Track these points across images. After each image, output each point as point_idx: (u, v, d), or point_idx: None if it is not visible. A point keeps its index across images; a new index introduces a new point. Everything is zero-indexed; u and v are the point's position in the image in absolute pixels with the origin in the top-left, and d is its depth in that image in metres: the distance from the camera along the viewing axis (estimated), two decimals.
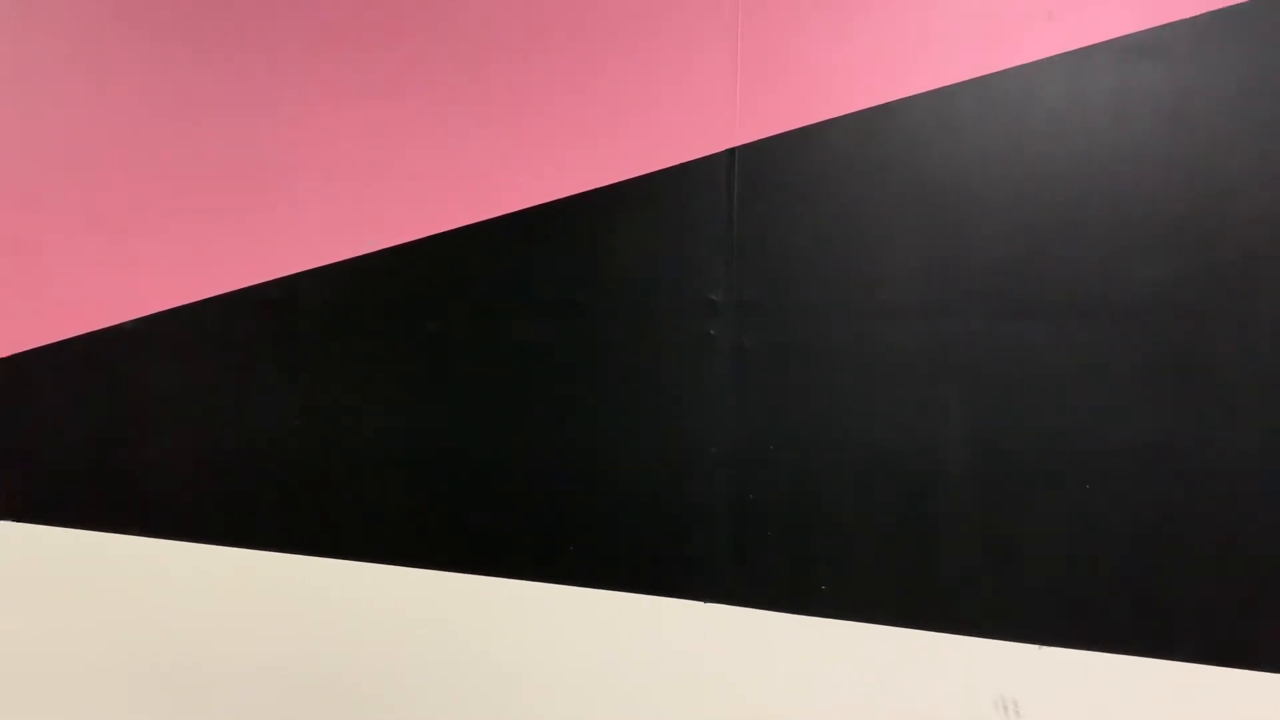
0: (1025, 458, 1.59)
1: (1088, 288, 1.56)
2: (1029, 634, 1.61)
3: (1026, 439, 1.59)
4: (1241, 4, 1.47)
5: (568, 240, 1.78)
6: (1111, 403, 1.56)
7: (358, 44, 1.87)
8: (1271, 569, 1.52)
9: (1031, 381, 1.58)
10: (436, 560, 1.89)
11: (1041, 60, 1.56)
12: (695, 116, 1.70)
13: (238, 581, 1.98)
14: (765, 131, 1.68)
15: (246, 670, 1.99)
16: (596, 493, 1.79)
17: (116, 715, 2.06)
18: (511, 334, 1.82)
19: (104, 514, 2.04)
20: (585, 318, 1.78)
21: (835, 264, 1.66)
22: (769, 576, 1.72)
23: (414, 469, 1.88)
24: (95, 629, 2.06)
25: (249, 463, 1.97)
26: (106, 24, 1.99)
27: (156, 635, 2.03)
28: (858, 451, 1.66)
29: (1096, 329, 1.55)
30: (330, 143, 1.89)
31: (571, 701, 1.84)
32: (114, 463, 2.03)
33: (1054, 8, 1.54)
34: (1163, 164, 1.52)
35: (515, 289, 1.81)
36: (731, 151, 1.69)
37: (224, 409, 1.97)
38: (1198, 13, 1.49)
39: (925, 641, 1.65)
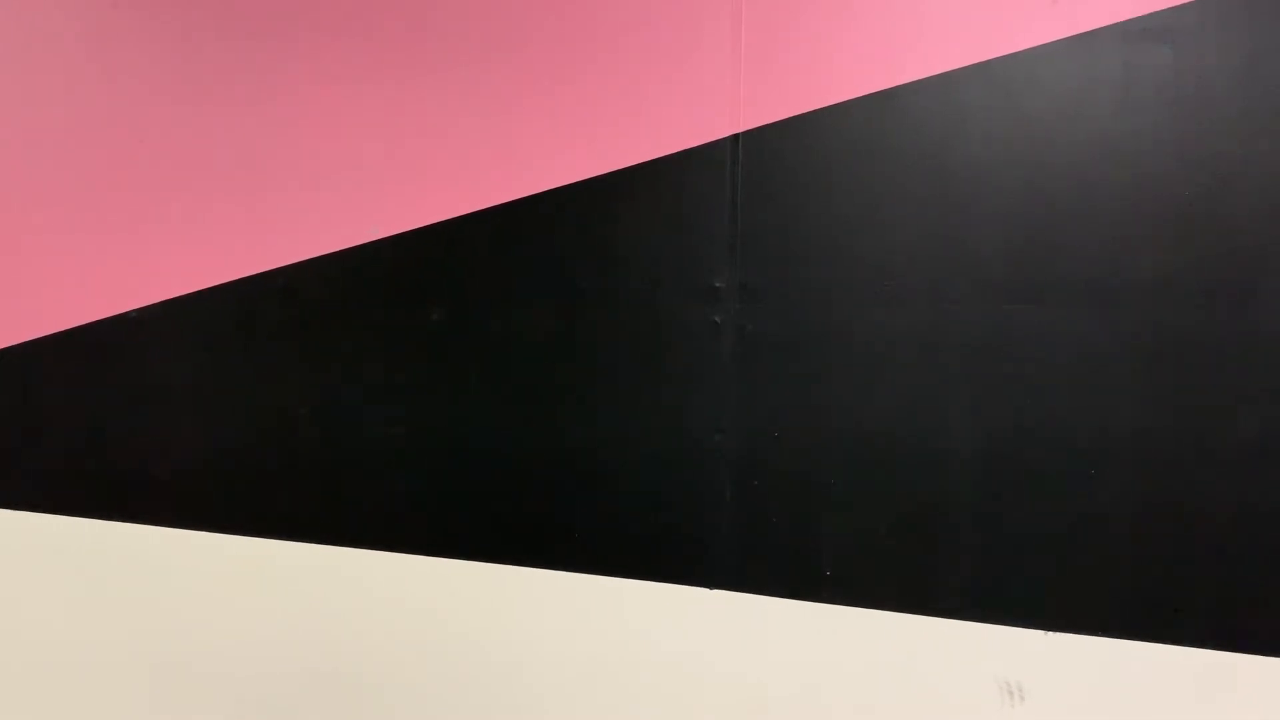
0: (1030, 443, 1.59)
1: (1093, 274, 1.55)
2: (1033, 619, 1.61)
3: (1031, 424, 1.59)
4: None
5: (571, 227, 1.78)
6: (1117, 388, 1.55)
7: (360, 30, 1.87)
8: (1276, 554, 1.52)
9: (1035, 367, 1.58)
10: (440, 547, 1.89)
11: (1046, 44, 1.56)
12: (698, 102, 1.70)
13: (242, 569, 1.98)
14: (768, 117, 1.68)
15: (251, 656, 2.00)
16: (600, 479, 1.79)
17: (121, 706, 2.07)
18: (515, 321, 1.81)
19: (108, 503, 2.04)
20: (589, 304, 1.78)
21: (839, 249, 1.66)
22: (773, 563, 1.72)
23: (417, 456, 1.88)
24: (102, 618, 2.06)
25: (253, 451, 1.97)
26: (109, 13, 1.99)
27: (161, 623, 2.03)
28: (861, 437, 1.66)
29: (1102, 315, 1.55)
30: (334, 130, 1.89)
31: (574, 688, 1.85)
32: (119, 451, 2.03)
33: None
34: (1168, 149, 1.52)
35: (519, 276, 1.81)
36: (735, 137, 1.69)
37: (228, 397, 1.97)
38: None
39: (929, 627, 1.65)
